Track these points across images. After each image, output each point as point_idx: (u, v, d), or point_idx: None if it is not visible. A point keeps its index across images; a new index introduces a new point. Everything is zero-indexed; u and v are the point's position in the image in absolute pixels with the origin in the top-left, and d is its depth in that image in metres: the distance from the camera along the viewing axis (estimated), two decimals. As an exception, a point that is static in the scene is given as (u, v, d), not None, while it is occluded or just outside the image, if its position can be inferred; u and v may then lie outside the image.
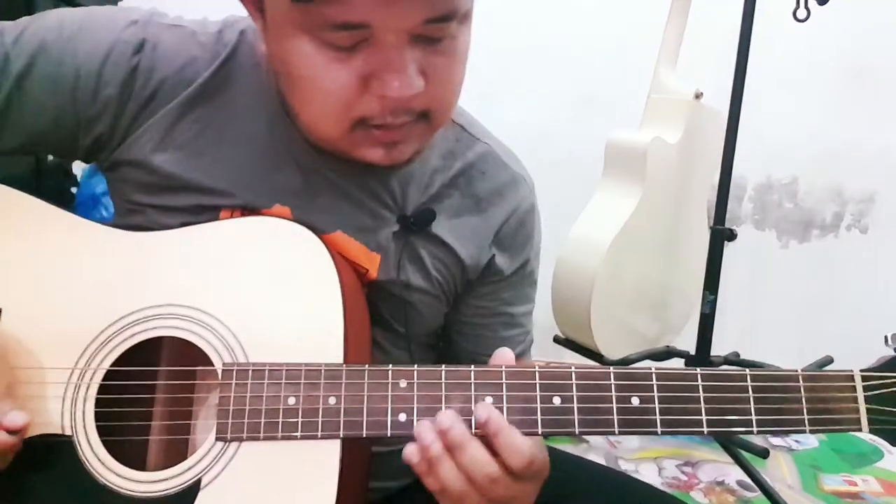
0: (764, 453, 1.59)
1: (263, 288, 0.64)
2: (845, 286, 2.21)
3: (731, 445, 1.60)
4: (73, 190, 1.76)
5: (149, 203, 0.69)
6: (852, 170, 2.18)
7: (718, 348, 1.77)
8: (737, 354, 1.92)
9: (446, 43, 0.58)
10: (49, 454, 0.61)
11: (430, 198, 0.73)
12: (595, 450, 1.80)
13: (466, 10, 0.58)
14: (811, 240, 2.24)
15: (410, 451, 0.57)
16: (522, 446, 0.57)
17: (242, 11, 0.71)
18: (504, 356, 0.61)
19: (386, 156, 0.63)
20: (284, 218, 0.68)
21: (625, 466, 1.74)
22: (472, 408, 0.58)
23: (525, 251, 0.78)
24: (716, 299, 1.69)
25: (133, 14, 0.68)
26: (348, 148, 0.64)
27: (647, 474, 1.71)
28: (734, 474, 1.68)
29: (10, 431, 0.57)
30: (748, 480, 1.56)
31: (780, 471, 1.76)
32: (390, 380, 0.59)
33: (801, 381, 0.59)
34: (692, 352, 1.75)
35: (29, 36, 0.65)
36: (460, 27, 0.58)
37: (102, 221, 0.68)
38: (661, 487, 1.43)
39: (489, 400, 0.58)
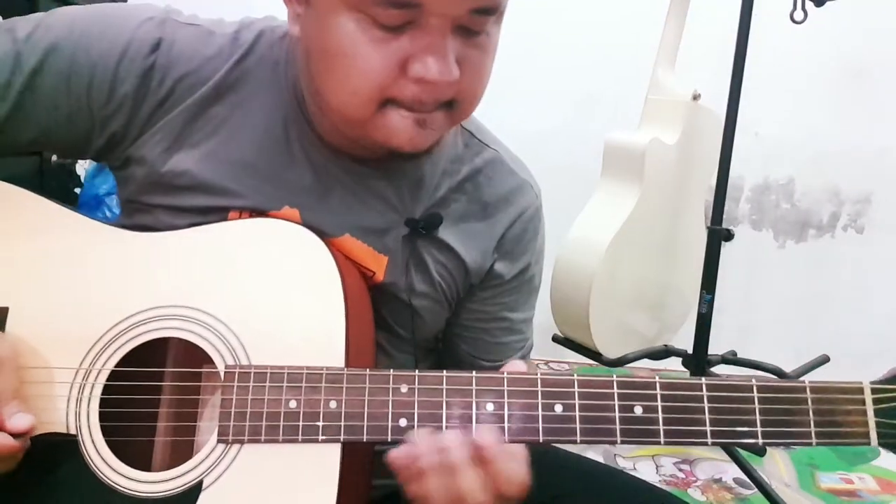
0: (761, 451, 1.60)
1: (267, 290, 0.64)
2: (841, 286, 2.22)
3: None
4: (77, 190, 1.76)
5: (158, 203, 0.68)
6: (849, 170, 2.19)
7: (716, 347, 1.77)
8: (734, 353, 1.92)
9: (482, 38, 0.60)
10: (53, 453, 0.61)
11: (437, 202, 0.73)
12: (593, 447, 1.79)
13: (503, 10, 0.59)
14: (808, 240, 2.25)
15: (397, 456, 0.57)
16: (517, 475, 0.56)
17: (252, 12, 0.72)
18: (515, 369, 0.60)
19: (410, 140, 0.62)
20: (291, 220, 0.67)
21: (623, 464, 1.75)
22: (473, 415, 0.58)
23: (525, 257, 0.78)
24: (713, 299, 1.69)
25: (148, 11, 0.68)
26: (374, 131, 0.62)
27: (645, 472, 1.72)
28: (731, 472, 1.68)
29: (15, 435, 0.57)
30: (745, 478, 1.57)
31: (776, 468, 1.76)
32: (391, 384, 0.59)
33: (808, 393, 0.57)
34: (690, 351, 1.76)
35: (41, 33, 0.64)
36: (495, 25, 0.60)
37: (105, 222, 0.68)
38: (659, 485, 1.43)
39: (490, 407, 0.58)
